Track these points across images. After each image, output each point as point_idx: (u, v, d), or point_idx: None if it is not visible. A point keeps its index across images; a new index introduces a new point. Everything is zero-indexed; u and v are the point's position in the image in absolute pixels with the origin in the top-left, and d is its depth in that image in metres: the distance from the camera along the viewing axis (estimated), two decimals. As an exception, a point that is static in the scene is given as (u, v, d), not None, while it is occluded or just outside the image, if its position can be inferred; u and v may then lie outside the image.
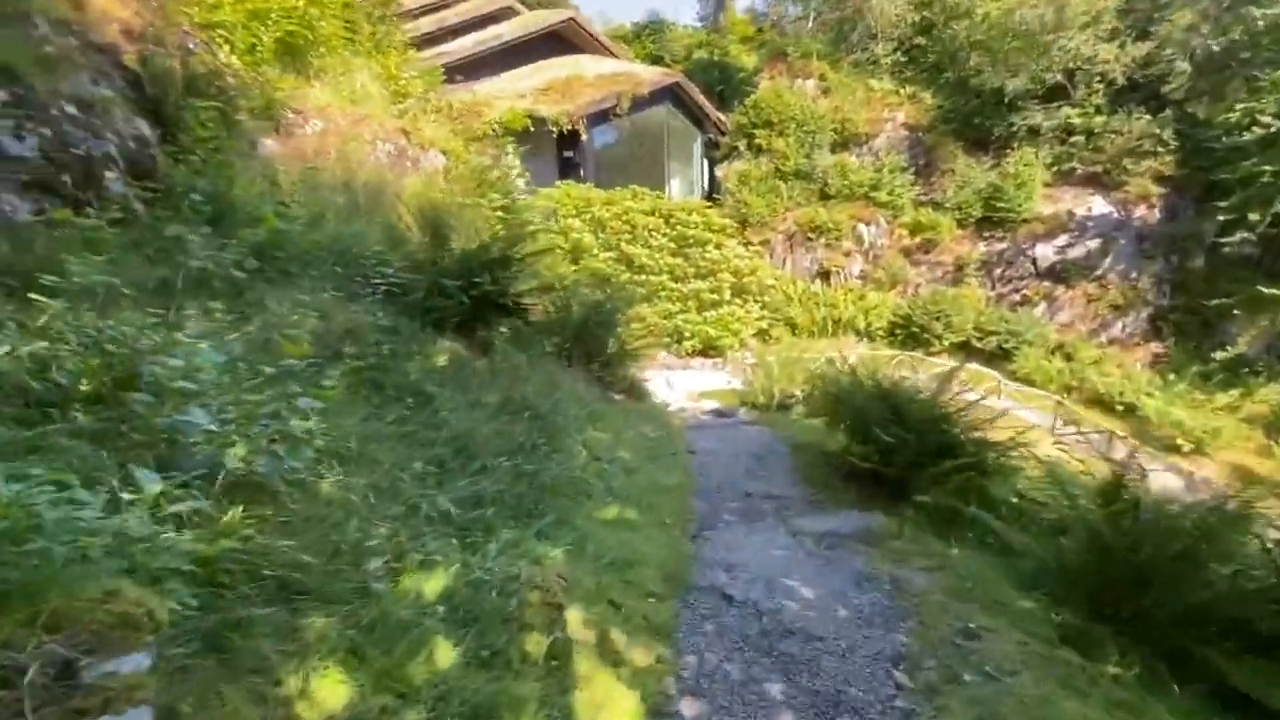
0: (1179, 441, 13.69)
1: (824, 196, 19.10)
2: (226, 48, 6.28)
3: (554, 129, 16.22)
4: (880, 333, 17.11)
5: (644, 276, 13.37)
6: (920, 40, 20.70)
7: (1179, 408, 14.16)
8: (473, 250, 4.99)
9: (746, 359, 11.21)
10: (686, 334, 13.55)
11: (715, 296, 13.61)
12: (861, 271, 18.53)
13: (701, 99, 20.11)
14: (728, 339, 13.79)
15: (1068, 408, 13.85)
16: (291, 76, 8.16)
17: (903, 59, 20.92)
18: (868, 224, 18.68)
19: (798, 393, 7.71)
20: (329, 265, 4.69)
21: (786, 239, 18.61)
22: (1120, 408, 14.80)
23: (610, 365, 6.48)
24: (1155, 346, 15.90)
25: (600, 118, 17.22)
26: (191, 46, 6.34)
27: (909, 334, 16.72)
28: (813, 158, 19.17)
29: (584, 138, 16.76)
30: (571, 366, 6.07)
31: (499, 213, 7.98)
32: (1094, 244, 16.40)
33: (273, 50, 6.87)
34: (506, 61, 19.02)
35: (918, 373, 11.65)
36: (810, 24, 24.04)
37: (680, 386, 10.87)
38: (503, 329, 5.14)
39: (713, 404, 8.87)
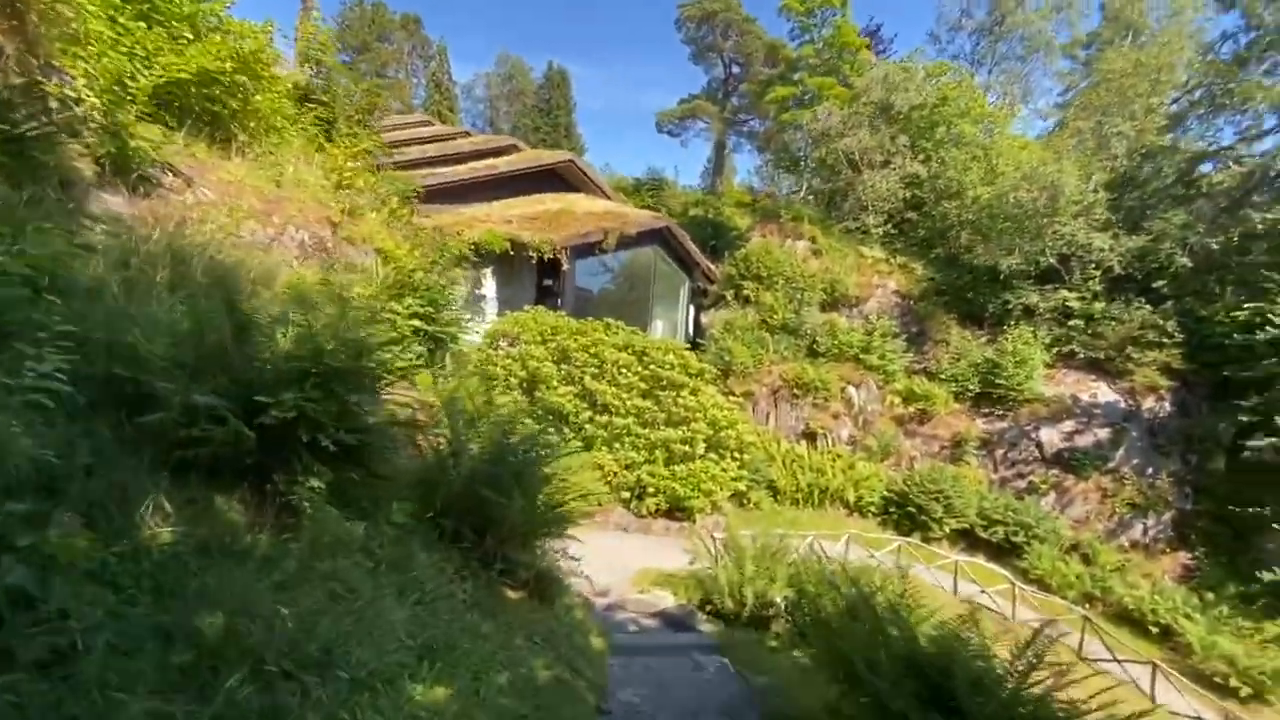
0: (1232, 683, 11.28)
1: (812, 354, 18.09)
2: (84, 83, 4.99)
3: (533, 255, 15.40)
4: (872, 509, 15.11)
5: (606, 418, 11.60)
6: (911, 215, 21.02)
7: (1225, 637, 11.89)
8: (293, 353, 3.22)
9: (716, 533, 9.12)
10: (650, 489, 11.50)
11: (687, 449, 11.75)
12: (850, 436, 16.96)
13: (691, 246, 19.82)
14: (698, 500, 11.72)
15: (1096, 625, 11.54)
16: (204, 144, 6.98)
17: (893, 231, 21.10)
18: (858, 386, 17.47)
19: (779, 599, 5.62)
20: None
21: (771, 393, 17.23)
22: (1154, 629, 12.50)
23: (510, 542, 4.47)
24: (1184, 556, 13.95)
25: (585, 250, 16.56)
26: (59, 81, 5.11)
27: (904, 514, 14.74)
28: (801, 314, 18.43)
29: (565, 267, 15.92)
30: (447, 544, 4.08)
31: (414, 321, 6.39)
32: (1104, 433, 15.06)
33: (148, 95, 5.60)
34: (500, 191, 18.86)
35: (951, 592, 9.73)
36: (802, 193, 24.79)
37: (628, 562, 8.66)
38: (317, 483, 3.21)
39: (664, 598, 6.68)
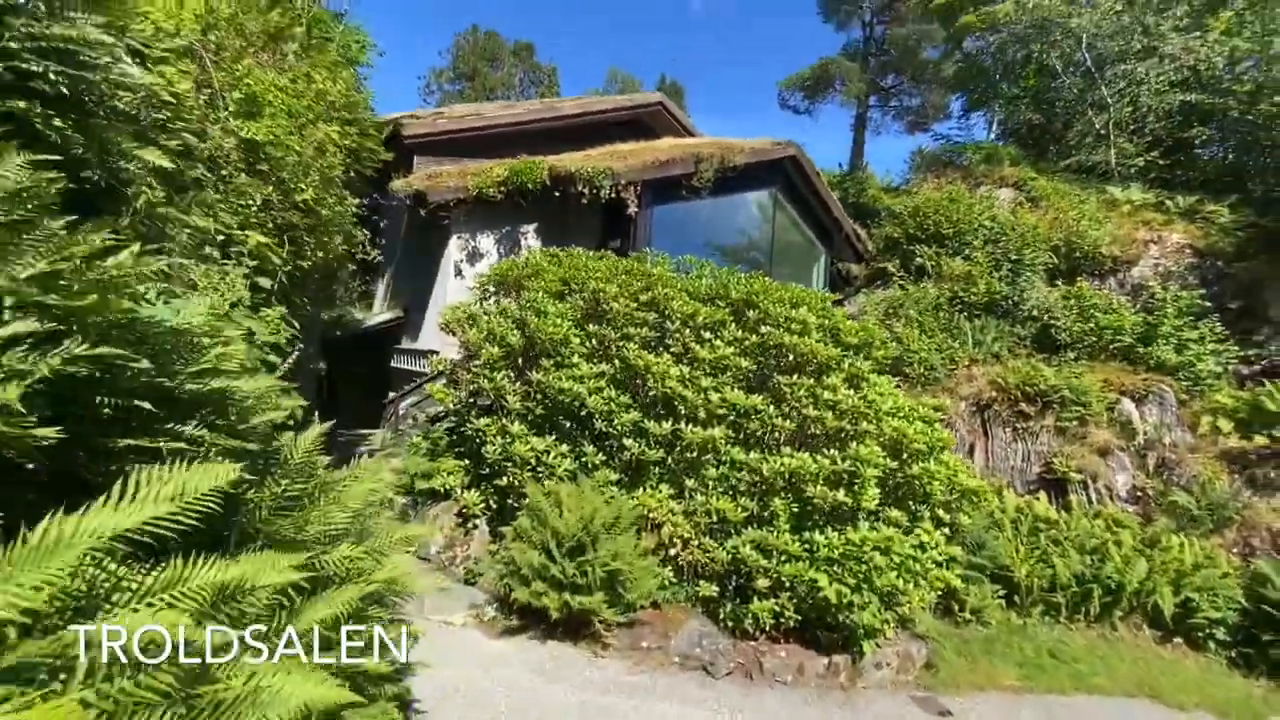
0: None
1: (1043, 347, 11.00)
2: None
3: (585, 193, 10.20)
4: (1218, 632, 7.63)
5: (669, 425, 5.70)
6: (1195, 133, 13.25)
7: None
8: None
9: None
10: (759, 578, 5.36)
11: (842, 496, 5.52)
12: (1134, 487, 9.52)
13: (831, 198, 13.60)
14: (868, 609, 5.33)
15: None
16: None
17: (1161, 161, 13.44)
18: (1139, 399, 10.05)
19: None
20: None
21: (975, 410, 10.34)
22: None
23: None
24: None
25: (666, 190, 11.10)
26: None
27: (1295, 647, 7.14)
28: (1018, 285, 11.47)
29: (631, 211, 10.52)
30: None
31: None
32: None
33: None
34: (568, 144, 14.07)
35: None
36: (991, 134, 17.67)
37: None
38: None
39: None
